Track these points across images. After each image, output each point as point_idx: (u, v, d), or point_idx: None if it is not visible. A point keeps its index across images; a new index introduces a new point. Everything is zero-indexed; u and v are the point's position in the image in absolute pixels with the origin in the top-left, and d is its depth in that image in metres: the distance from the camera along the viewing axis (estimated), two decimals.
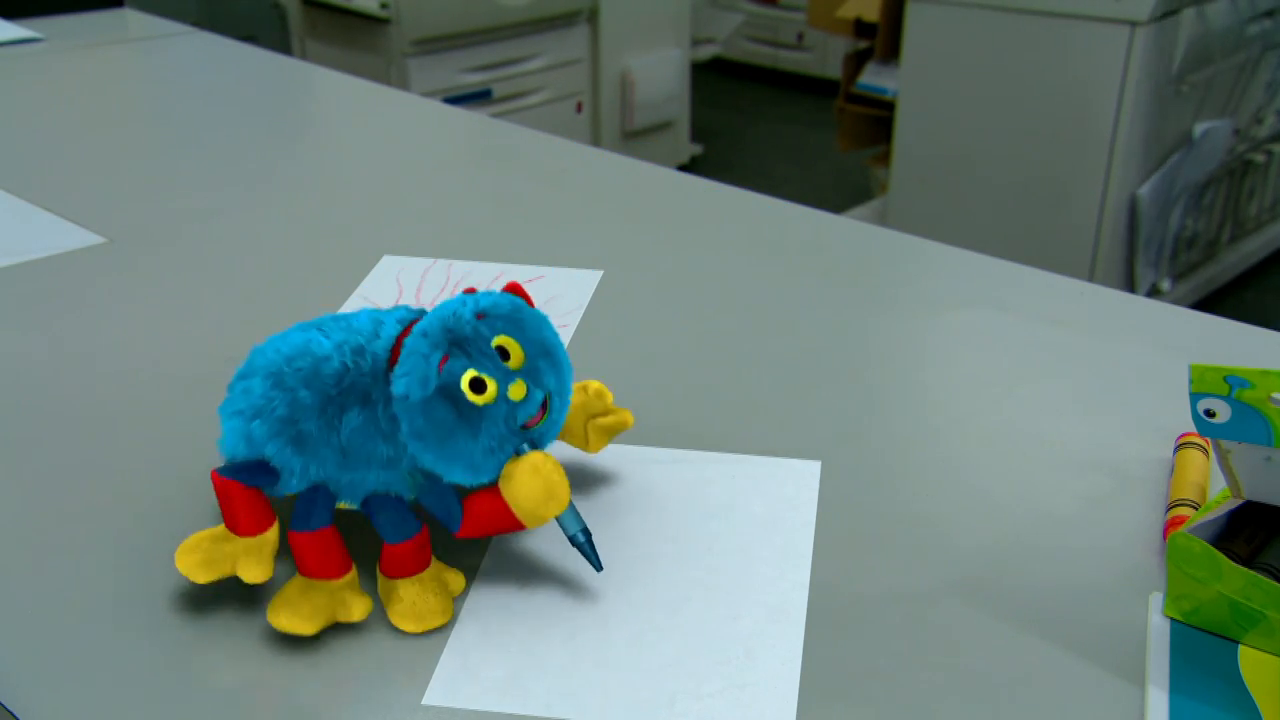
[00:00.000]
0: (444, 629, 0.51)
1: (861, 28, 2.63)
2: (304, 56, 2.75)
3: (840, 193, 3.37)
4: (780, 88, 4.33)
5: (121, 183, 1.06)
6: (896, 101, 2.44)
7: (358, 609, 0.51)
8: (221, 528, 0.52)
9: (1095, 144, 2.17)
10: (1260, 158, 2.67)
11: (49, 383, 0.72)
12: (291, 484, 0.52)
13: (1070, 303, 0.81)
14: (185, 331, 0.78)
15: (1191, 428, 0.56)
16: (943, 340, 0.77)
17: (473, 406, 0.50)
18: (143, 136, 1.22)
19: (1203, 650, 0.50)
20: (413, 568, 0.52)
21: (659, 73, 3.20)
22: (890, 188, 2.51)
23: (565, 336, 0.77)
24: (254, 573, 0.51)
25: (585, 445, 0.60)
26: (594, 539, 0.53)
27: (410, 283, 0.85)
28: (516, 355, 0.51)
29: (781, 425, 0.67)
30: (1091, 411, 0.68)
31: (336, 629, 0.51)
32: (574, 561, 0.55)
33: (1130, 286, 2.36)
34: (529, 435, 0.52)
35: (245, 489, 0.51)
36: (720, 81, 4.37)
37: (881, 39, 2.56)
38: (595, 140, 3.12)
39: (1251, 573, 0.48)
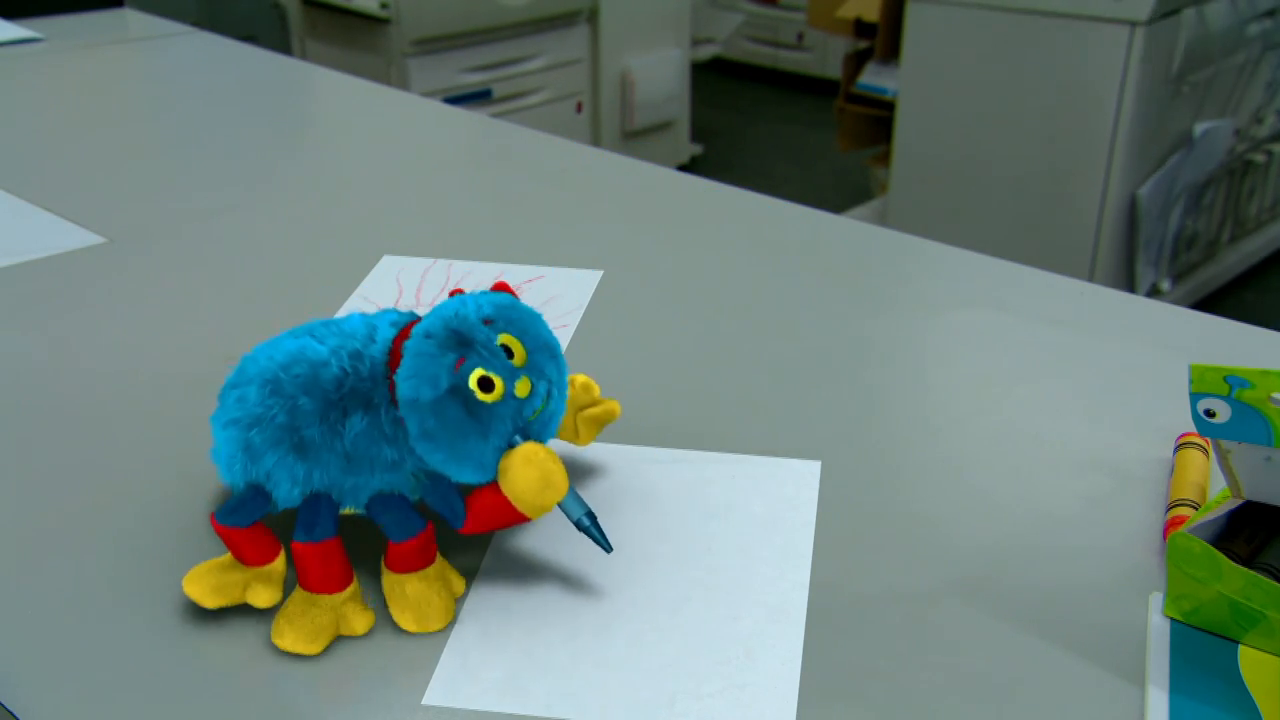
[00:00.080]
0: (444, 629, 0.51)
1: (861, 28, 2.63)
2: (304, 56, 2.75)
3: (840, 193, 3.37)
4: (780, 88, 4.33)
5: (121, 183, 1.06)
6: (896, 101, 2.44)
7: (360, 623, 0.51)
8: (228, 556, 0.52)
9: (1095, 144, 2.17)
10: (1260, 158, 2.67)
11: (48, 383, 0.72)
12: (294, 495, 0.52)
13: (1070, 303, 0.81)
14: (185, 331, 0.78)
15: (1191, 428, 0.56)
16: (943, 340, 0.77)
17: (482, 405, 0.50)
18: (143, 136, 1.22)
19: (1203, 650, 0.50)
20: (419, 563, 0.52)
21: (659, 73, 3.20)
22: (890, 188, 2.51)
23: (565, 336, 0.77)
24: (264, 598, 0.51)
25: (575, 438, 0.60)
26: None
27: (410, 283, 0.85)
28: (519, 353, 0.51)
29: (781, 425, 0.67)
30: (1091, 411, 0.68)
31: None
32: (574, 561, 0.55)
33: (1130, 286, 2.36)
34: (524, 427, 0.51)
35: (246, 529, 0.51)
36: (720, 81, 4.37)
37: (881, 39, 2.56)
38: (595, 140, 3.12)
39: (1251, 573, 0.48)
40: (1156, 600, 0.52)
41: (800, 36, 4.18)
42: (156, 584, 0.54)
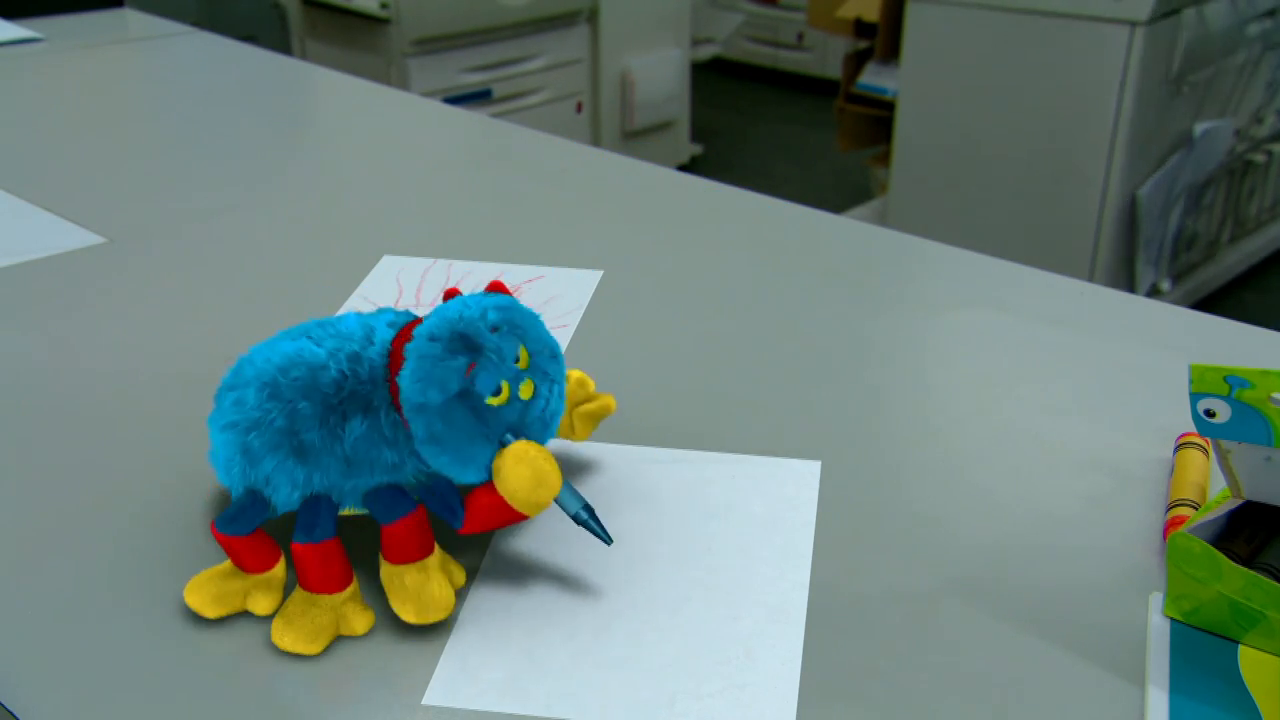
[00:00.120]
0: (444, 629, 0.51)
1: (861, 28, 2.63)
2: (304, 56, 2.75)
3: (840, 193, 3.37)
4: (780, 88, 4.33)
5: (121, 183, 1.06)
6: (896, 101, 2.44)
7: (360, 623, 0.51)
8: (228, 564, 0.52)
9: (1095, 144, 2.17)
10: (1260, 158, 2.67)
11: (48, 383, 0.72)
12: (293, 499, 0.52)
13: (1070, 303, 0.81)
14: (185, 331, 0.78)
15: (1191, 428, 0.57)
16: (943, 340, 0.77)
17: (489, 409, 0.50)
18: (143, 136, 1.22)
19: (1203, 650, 0.50)
20: (415, 552, 0.51)
21: (659, 73, 3.20)
22: (890, 188, 2.51)
23: (565, 336, 0.77)
24: (265, 606, 0.52)
25: (571, 434, 0.60)
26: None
27: (410, 283, 0.85)
28: (523, 355, 0.51)
29: (781, 425, 0.67)
30: (1091, 411, 0.68)
31: None
32: (573, 561, 0.55)
33: (1130, 286, 2.36)
34: (515, 426, 0.51)
35: (246, 537, 0.51)
36: (720, 81, 4.37)
37: (881, 39, 2.56)
38: (595, 140, 3.12)
39: (1251, 573, 0.48)
40: (1156, 600, 0.52)
41: (800, 36, 4.18)
42: (156, 584, 0.54)
